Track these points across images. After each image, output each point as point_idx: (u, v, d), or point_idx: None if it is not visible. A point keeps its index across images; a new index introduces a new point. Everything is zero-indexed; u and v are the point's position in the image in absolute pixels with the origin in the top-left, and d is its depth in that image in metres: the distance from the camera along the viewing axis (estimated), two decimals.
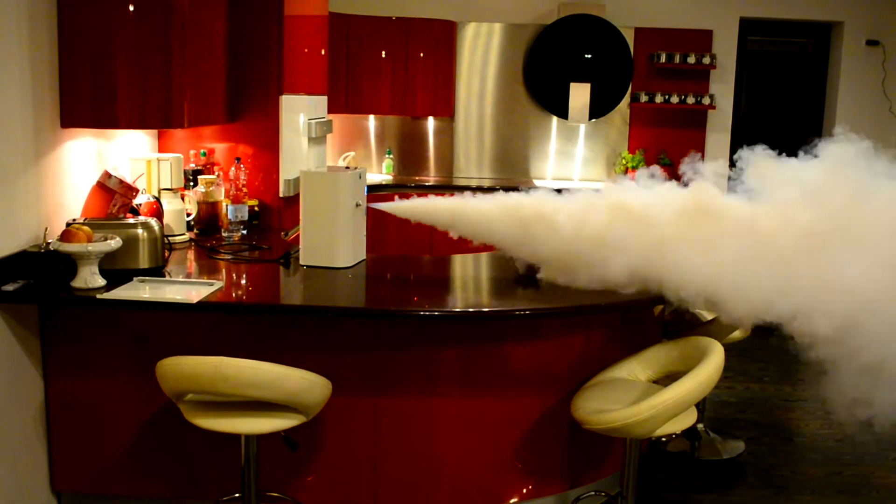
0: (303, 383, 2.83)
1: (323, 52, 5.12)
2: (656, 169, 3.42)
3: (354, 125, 7.54)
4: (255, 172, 4.58)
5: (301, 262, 3.59)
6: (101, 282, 3.15)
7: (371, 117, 7.53)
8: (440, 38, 7.25)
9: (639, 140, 7.58)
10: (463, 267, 3.86)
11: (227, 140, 4.59)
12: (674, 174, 3.40)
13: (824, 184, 3.15)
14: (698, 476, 4.21)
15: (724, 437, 4.53)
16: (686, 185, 3.31)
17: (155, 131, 4.54)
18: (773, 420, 4.95)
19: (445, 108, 7.40)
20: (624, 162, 7.51)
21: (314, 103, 4.86)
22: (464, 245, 3.58)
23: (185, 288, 3.21)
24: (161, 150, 4.59)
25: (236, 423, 2.83)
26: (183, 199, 4.17)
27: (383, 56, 7.09)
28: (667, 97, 7.35)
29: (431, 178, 7.51)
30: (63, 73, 3.47)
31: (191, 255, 3.90)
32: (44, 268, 3.16)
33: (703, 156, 3.58)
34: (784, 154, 3.30)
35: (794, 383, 5.59)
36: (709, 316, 3.85)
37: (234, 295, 3.23)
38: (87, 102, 3.49)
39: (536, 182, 7.28)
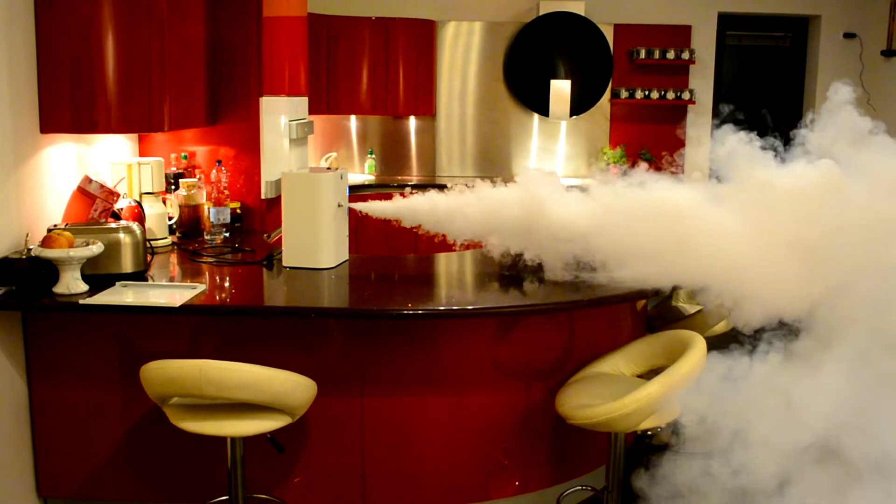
0: (288, 384, 2.84)
1: (303, 53, 5.11)
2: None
3: (336, 126, 7.54)
4: (236, 175, 4.57)
5: (284, 264, 3.59)
6: (84, 287, 3.14)
7: (352, 118, 7.53)
8: (420, 38, 7.26)
9: (620, 136, 7.61)
10: (447, 265, 3.87)
11: (207, 143, 4.58)
12: (657, 169, 3.41)
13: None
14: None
15: None
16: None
17: (135, 135, 4.52)
18: None
19: (427, 108, 7.40)
20: (606, 158, 7.54)
21: (295, 105, 4.85)
22: (449, 244, 3.59)
23: (168, 291, 3.21)
24: (142, 153, 4.57)
25: (222, 426, 2.82)
26: (164, 202, 4.16)
27: (364, 56, 7.09)
28: (647, 93, 7.38)
29: (414, 178, 7.52)
30: (42, 77, 3.45)
31: (173, 258, 3.89)
32: (26, 274, 3.14)
33: (683, 150, 3.61)
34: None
35: None
36: (691, 310, 3.87)
37: (217, 298, 3.23)
38: (66, 107, 3.47)
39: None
